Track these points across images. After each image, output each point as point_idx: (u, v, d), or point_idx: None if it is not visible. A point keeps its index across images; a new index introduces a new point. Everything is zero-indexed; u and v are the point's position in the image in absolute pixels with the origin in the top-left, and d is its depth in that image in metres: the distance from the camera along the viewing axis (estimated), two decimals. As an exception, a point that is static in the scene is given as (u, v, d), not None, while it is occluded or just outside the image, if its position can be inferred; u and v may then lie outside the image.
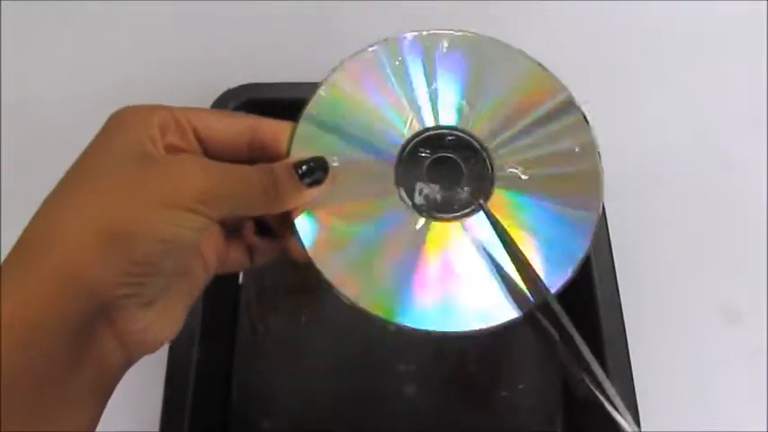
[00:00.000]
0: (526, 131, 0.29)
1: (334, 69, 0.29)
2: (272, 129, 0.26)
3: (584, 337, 0.38)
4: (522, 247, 0.26)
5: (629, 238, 0.42)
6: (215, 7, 0.56)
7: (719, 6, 0.56)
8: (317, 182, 0.26)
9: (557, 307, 0.25)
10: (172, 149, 0.24)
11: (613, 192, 0.42)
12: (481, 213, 0.27)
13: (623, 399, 0.34)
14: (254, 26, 0.56)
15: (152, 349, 0.24)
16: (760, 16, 0.56)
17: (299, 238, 0.26)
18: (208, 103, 0.43)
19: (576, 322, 0.41)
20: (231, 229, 0.28)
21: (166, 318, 0.24)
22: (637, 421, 0.34)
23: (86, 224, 0.20)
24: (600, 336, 0.36)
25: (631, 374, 0.35)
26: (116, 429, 0.40)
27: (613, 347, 0.36)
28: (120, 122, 0.23)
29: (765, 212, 0.48)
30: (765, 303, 0.44)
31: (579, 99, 0.43)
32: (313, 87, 0.29)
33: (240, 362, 0.42)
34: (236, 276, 0.44)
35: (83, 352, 0.21)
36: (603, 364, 0.35)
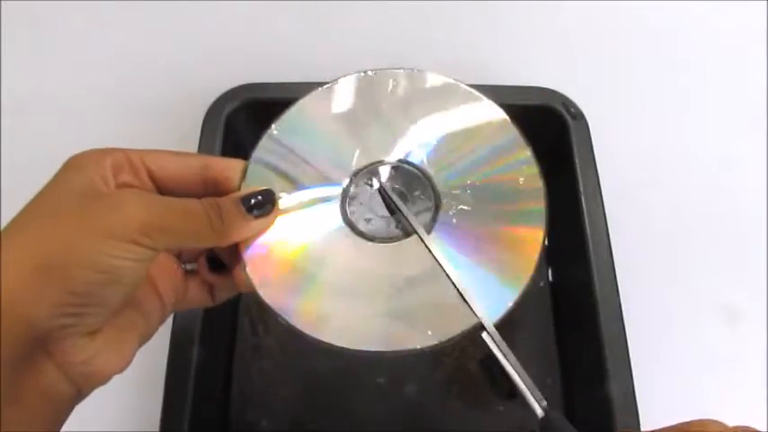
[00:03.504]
0: (472, 162, 0.29)
1: (283, 112, 0.31)
2: (223, 166, 0.27)
3: (584, 336, 0.38)
4: (463, 273, 0.26)
5: (629, 238, 0.42)
6: (215, 7, 0.56)
7: (719, 6, 0.56)
8: (265, 214, 0.27)
9: (493, 331, 0.26)
10: (125, 188, 0.25)
11: (613, 192, 0.42)
12: (427, 239, 0.28)
13: (623, 398, 0.34)
14: (254, 26, 0.56)
15: (101, 381, 0.24)
16: (760, 16, 0.56)
17: (246, 270, 0.27)
18: (208, 103, 0.43)
19: (576, 322, 0.41)
20: (187, 261, 0.29)
21: (113, 349, 0.24)
22: (637, 421, 0.34)
23: (26, 258, 0.21)
24: (600, 336, 0.36)
25: (631, 374, 0.35)
26: (116, 429, 0.40)
27: (613, 347, 0.36)
28: (74, 164, 0.24)
29: (765, 212, 0.48)
30: (765, 303, 0.44)
31: (579, 99, 0.44)
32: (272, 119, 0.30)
33: (240, 362, 0.42)
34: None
35: (24, 382, 0.21)
36: (603, 364, 0.35)
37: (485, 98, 0.31)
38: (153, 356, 0.35)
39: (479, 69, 0.53)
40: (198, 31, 0.56)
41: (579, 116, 0.43)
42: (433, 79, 0.31)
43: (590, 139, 0.42)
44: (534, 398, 0.25)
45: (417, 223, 0.28)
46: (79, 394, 0.23)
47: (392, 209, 0.29)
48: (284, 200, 0.28)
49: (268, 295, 0.27)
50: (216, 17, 0.56)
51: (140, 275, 0.23)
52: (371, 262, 0.28)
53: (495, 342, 0.25)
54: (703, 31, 0.56)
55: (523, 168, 0.29)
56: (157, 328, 0.27)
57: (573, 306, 0.42)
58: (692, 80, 0.53)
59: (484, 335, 0.26)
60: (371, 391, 0.41)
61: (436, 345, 0.25)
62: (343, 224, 0.28)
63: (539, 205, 0.28)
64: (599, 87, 0.50)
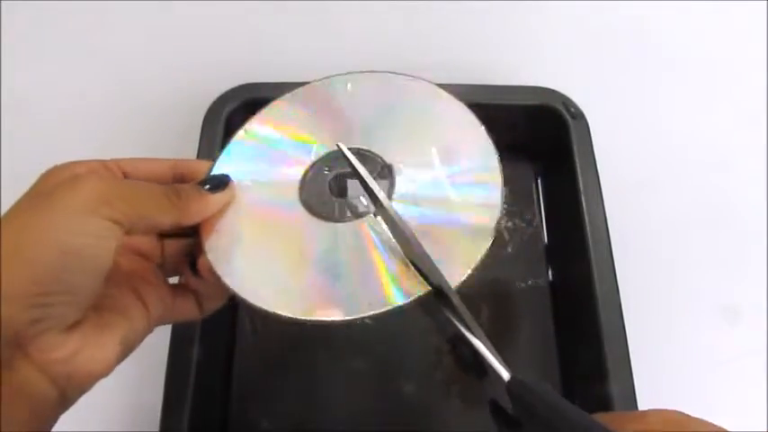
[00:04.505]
0: (427, 144, 0.31)
1: (251, 116, 0.34)
2: (191, 165, 0.30)
3: (584, 336, 0.38)
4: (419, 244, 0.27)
5: (629, 238, 0.42)
6: (215, 8, 0.57)
7: (719, 6, 0.56)
8: (220, 189, 0.29)
9: (455, 299, 0.26)
10: None
11: (613, 192, 0.42)
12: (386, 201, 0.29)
13: (623, 398, 0.34)
14: (253, 26, 0.56)
15: (84, 382, 0.23)
16: (760, 16, 0.56)
17: (206, 255, 0.28)
18: (208, 103, 0.43)
19: (576, 321, 0.41)
20: (172, 274, 0.30)
21: (94, 347, 0.23)
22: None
23: None
24: (600, 335, 0.36)
25: (631, 374, 0.35)
26: (116, 429, 0.40)
27: (613, 347, 0.36)
28: (46, 173, 0.26)
29: (765, 212, 0.48)
30: (765, 303, 0.44)
31: (579, 99, 0.44)
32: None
33: (240, 362, 0.42)
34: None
35: (2, 384, 0.21)
36: (603, 364, 0.35)
37: (442, 91, 0.33)
38: (153, 355, 0.35)
39: (479, 69, 0.53)
40: (198, 32, 0.56)
41: (579, 116, 0.43)
42: (391, 78, 0.34)
43: (590, 139, 0.42)
44: (499, 363, 0.25)
45: (377, 186, 0.28)
46: (63, 397, 0.23)
47: (344, 190, 0.31)
48: (249, 189, 0.30)
49: (231, 280, 0.28)
50: (216, 17, 0.56)
51: (106, 258, 0.23)
52: (329, 240, 0.29)
53: (455, 307, 0.26)
54: (703, 31, 0.56)
55: (477, 141, 0.30)
56: (143, 337, 0.27)
57: (573, 305, 0.42)
58: (692, 80, 0.53)
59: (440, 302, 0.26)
60: (371, 390, 0.41)
61: (393, 308, 0.26)
62: (303, 207, 0.30)
63: (495, 176, 0.29)
64: (599, 87, 0.50)
